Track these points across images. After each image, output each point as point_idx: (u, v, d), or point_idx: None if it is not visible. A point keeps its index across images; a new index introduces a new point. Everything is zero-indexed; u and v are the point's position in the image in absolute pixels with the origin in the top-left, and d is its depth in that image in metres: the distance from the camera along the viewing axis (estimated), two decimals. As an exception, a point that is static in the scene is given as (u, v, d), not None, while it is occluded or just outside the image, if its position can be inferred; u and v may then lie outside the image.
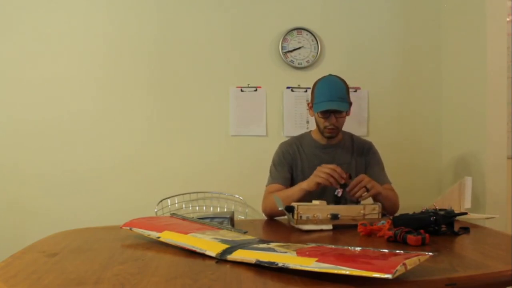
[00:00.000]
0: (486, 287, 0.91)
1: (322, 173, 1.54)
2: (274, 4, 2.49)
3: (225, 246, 1.03)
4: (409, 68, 2.59)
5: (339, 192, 1.54)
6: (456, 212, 1.31)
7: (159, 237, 1.16)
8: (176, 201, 2.39)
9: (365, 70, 2.56)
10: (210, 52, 2.46)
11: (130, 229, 1.25)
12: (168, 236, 1.15)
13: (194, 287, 0.82)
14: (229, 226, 1.37)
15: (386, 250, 0.95)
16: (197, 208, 2.43)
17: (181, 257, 1.03)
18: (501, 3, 2.20)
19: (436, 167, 2.60)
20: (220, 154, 2.46)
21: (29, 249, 1.15)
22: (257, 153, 2.42)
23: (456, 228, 1.29)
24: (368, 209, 1.47)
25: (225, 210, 2.42)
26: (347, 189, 1.54)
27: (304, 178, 1.65)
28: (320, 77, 1.84)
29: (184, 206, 2.42)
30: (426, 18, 2.60)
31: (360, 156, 1.85)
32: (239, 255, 0.97)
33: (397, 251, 0.93)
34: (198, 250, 1.04)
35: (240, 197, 2.43)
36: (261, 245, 1.05)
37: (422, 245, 1.12)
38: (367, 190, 1.55)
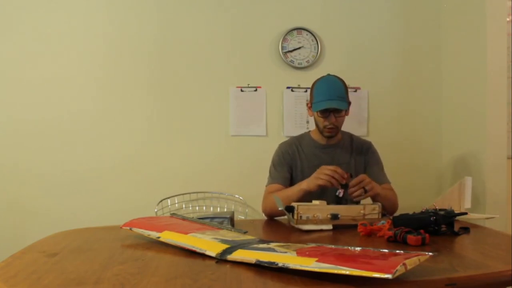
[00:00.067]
0: (486, 287, 0.91)
1: (323, 175, 1.54)
2: (274, 4, 2.49)
3: (225, 246, 1.03)
4: (409, 68, 2.59)
5: (340, 192, 1.54)
6: (456, 212, 1.31)
7: (159, 237, 1.16)
8: (176, 201, 2.39)
9: (365, 70, 2.56)
10: (210, 52, 2.46)
11: (130, 229, 1.25)
12: (168, 236, 1.15)
13: (194, 287, 0.82)
14: (229, 226, 1.37)
15: (386, 250, 0.95)
16: (197, 208, 2.43)
17: (181, 257, 1.03)
18: (501, 3, 2.20)
19: (436, 167, 2.60)
20: (220, 154, 2.46)
21: (29, 249, 1.15)
22: (257, 153, 2.42)
23: (456, 228, 1.29)
24: (368, 209, 1.47)
25: (225, 210, 2.42)
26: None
27: (304, 178, 1.65)
28: (319, 77, 1.84)
29: (184, 206, 2.42)
30: (426, 18, 2.60)
31: (360, 156, 1.85)
32: (239, 255, 0.97)
33: (397, 251, 0.93)
34: (198, 250, 1.04)
35: (240, 197, 2.43)
36: (261, 245, 1.05)
37: (422, 245, 1.12)
38: (366, 191, 1.55)
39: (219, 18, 2.46)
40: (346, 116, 1.82)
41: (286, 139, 1.97)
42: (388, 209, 1.67)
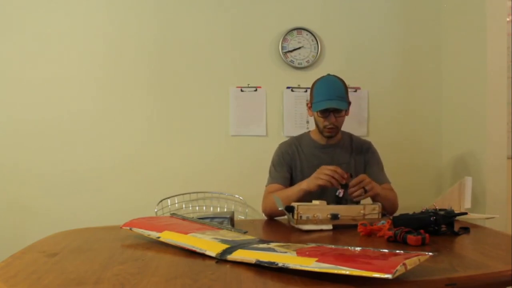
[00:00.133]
0: (486, 287, 0.91)
1: (323, 175, 1.54)
2: (274, 4, 2.49)
3: (225, 246, 1.03)
4: (409, 68, 2.59)
5: (340, 192, 1.54)
6: (456, 212, 1.31)
7: (159, 237, 1.16)
8: (176, 201, 2.39)
9: (365, 70, 2.56)
10: (210, 52, 2.46)
11: (130, 229, 1.25)
12: (168, 236, 1.15)
13: (194, 287, 0.82)
14: (229, 226, 1.37)
15: (386, 250, 0.95)
16: (197, 208, 2.43)
17: (181, 257, 1.03)
18: (501, 3, 2.20)
19: (436, 167, 2.60)
20: (220, 154, 2.46)
21: (29, 249, 1.15)
22: (257, 153, 2.42)
23: (456, 228, 1.29)
24: (368, 209, 1.47)
25: (225, 210, 2.42)
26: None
27: (303, 178, 1.65)
28: (319, 77, 1.84)
29: (184, 206, 2.42)
30: (426, 18, 2.60)
31: (359, 156, 1.85)
32: (239, 255, 0.97)
33: (397, 251, 0.93)
34: (198, 250, 1.04)
35: (240, 197, 2.43)
36: (261, 245, 1.05)
37: (422, 245, 1.12)
38: (366, 191, 1.55)
39: (219, 18, 2.46)
40: (346, 116, 1.82)
41: (286, 139, 1.97)
42: (388, 209, 1.67)
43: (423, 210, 1.33)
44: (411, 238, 1.13)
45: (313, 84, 1.83)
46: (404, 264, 0.79)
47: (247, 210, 2.40)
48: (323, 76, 1.83)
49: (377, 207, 1.48)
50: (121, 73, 2.40)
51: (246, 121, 2.47)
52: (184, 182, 2.42)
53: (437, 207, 1.33)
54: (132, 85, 2.41)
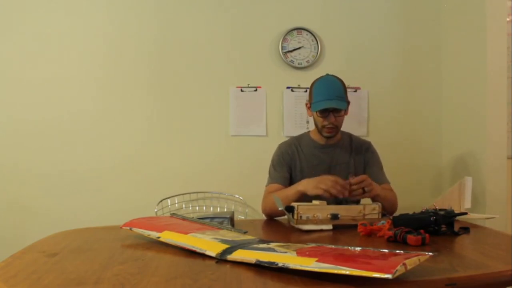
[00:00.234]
0: (486, 287, 0.91)
1: (323, 185, 1.50)
2: (274, 4, 2.49)
3: (225, 246, 1.03)
4: (409, 68, 2.59)
5: None
6: (456, 212, 1.31)
7: (159, 237, 1.16)
8: (176, 201, 2.39)
9: (365, 70, 2.56)
10: (210, 52, 2.46)
11: (130, 229, 1.25)
12: (168, 236, 1.15)
13: (194, 287, 0.82)
14: (229, 226, 1.37)
15: (386, 250, 0.95)
16: (197, 208, 2.43)
17: (181, 257, 1.03)
18: (501, 3, 2.20)
19: (436, 167, 2.60)
20: (220, 154, 2.46)
21: (29, 249, 1.15)
22: (257, 153, 2.42)
23: (456, 228, 1.29)
24: (368, 209, 1.47)
25: (225, 210, 2.42)
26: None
27: (303, 177, 1.64)
28: (318, 77, 1.84)
29: (184, 206, 2.42)
30: (426, 18, 2.60)
31: (359, 156, 1.85)
32: (239, 255, 0.97)
33: (397, 251, 0.93)
34: (198, 250, 1.04)
35: (240, 197, 2.43)
36: (261, 245, 1.05)
37: (422, 245, 1.12)
38: (364, 191, 1.54)
39: (219, 18, 2.46)
40: (345, 116, 1.82)
41: (286, 139, 1.97)
42: (387, 210, 1.67)
43: (423, 210, 1.33)
44: (411, 238, 1.13)
45: (312, 84, 1.83)
46: (404, 264, 0.79)
47: (247, 210, 2.40)
48: (322, 76, 1.83)
49: (377, 207, 1.48)
50: (121, 73, 2.40)
51: (246, 121, 2.47)
52: (184, 182, 2.42)
53: (437, 207, 1.33)
54: (132, 85, 2.41)
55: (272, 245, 1.05)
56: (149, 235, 1.19)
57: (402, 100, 2.59)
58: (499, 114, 2.19)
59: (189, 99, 2.45)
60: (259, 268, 0.91)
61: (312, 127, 1.90)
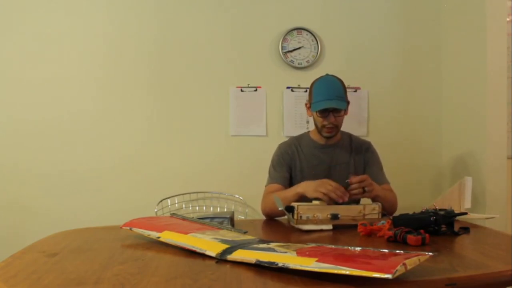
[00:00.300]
0: (486, 287, 0.91)
1: (323, 189, 1.47)
2: (274, 4, 2.49)
3: (225, 246, 1.03)
4: (409, 68, 2.59)
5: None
6: (456, 212, 1.31)
7: (159, 237, 1.16)
8: (176, 201, 2.39)
9: (365, 70, 2.56)
10: (210, 52, 2.46)
11: (130, 229, 1.25)
12: (168, 236, 1.15)
13: (194, 287, 0.82)
14: (229, 226, 1.37)
15: (386, 250, 0.95)
16: (197, 208, 2.43)
17: (181, 257, 1.03)
18: (501, 3, 2.20)
19: (436, 167, 2.60)
20: (220, 154, 2.46)
21: (29, 249, 1.15)
22: (257, 153, 2.42)
23: (456, 228, 1.29)
24: (368, 209, 1.47)
25: (225, 210, 2.42)
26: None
27: (303, 178, 1.65)
28: (318, 77, 1.84)
29: (184, 206, 2.42)
30: (426, 18, 2.60)
31: (359, 156, 1.85)
32: (239, 255, 0.97)
33: (397, 251, 0.93)
34: (198, 250, 1.04)
35: (240, 197, 2.43)
36: (261, 245, 1.05)
37: (422, 245, 1.12)
38: (364, 191, 1.54)
39: (219, 18, 2.46)
40: (345, 116, 1.81)
41: (286, 139, 1.97)
42: (387, 210, 1.67)
43: (423, 210, 1.33)
44: (411, 238, 1.13)
45: (312, 84, 1.83)
46: (404, 264, 0.79)
47: (247, 210, 2.40)
48: (322, 76, 1.83)
49: (377, 207, 1.48)
50: (121, 73, 2.40)
51: (246, 121, 2.47)
52: (184, 182, 2.42)
53: (437, 207, 1.33)
54: (132, 85, 2.41)
55: (272, 245, 1.05)
56: (149, 235, 1.19)
57: (402, 100, 2.59)
58: (499, 114, 2.19)
59: (189, 99, 2.45)
60: (259, 268, 0.91)
61: (312, 127, 1.90)
